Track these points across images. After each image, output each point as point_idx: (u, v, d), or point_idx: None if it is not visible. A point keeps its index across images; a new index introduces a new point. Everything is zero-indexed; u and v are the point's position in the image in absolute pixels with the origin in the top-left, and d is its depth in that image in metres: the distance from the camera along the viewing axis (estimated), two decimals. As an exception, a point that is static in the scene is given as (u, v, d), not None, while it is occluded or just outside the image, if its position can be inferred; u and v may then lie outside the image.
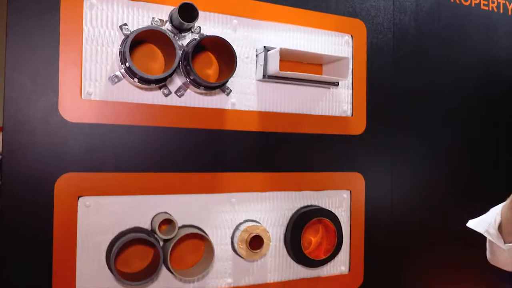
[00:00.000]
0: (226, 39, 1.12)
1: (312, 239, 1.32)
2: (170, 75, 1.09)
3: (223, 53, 1.16)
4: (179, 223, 1.14)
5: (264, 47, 1.23)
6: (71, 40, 1.06)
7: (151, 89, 1.14)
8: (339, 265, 1.37)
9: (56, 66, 1.05)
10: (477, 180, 1.65)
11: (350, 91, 1.40)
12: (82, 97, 1.07)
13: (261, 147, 1.27)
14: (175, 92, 1.17)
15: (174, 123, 1.16)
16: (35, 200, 1.03)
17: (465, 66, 1.62)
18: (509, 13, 1.73)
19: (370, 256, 1.41)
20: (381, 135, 1.45)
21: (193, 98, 1.19)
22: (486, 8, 1.68)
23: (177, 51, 1.05)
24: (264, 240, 1.21)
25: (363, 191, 1.41)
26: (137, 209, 1.13)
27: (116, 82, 1.11)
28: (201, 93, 1.19)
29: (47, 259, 1.03)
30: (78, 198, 1.06)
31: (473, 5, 1.65)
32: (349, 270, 1.39)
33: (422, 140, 1.54)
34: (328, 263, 1.32)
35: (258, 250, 1.20)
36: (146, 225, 1.13)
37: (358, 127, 1.40)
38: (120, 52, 1.06)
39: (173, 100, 1.17)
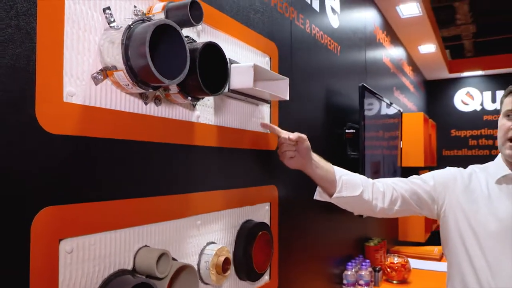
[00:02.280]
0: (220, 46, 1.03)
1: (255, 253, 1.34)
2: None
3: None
4: (155, 257, 0.96)
5: (229, 59, 1.18)
6: (51, 16, 0.74)
7: (131, 94, 0.91)
8: (265, 275, 1.43)
9: (32, 48, 0.71)
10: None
11: (269, 108, 1.49)
12: (64, 98, 0.76)
13: (218, 163, 1.20)
14: (154, 100, 0.98)
15: (153, 137, 0.97)
16: (4, 249, 0.66)
17: (318, 94, 1.98)
18: (339, 54, 2.22)
19: (281, 262, 1.54)
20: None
21: (167, 108, 1.02)
22: (330, 48, 2.10)
23: (188, 53, 0.90)
24: (231, 261, 1.16)
25: (277, 203, 1.52)
26: (119, 247, 0.88)
27: (99, 82, 0.84)
28: (178, 103, 1.04)
29: None
30: (59, 242, 0.75)
31: (323, 42, 2.03)
32: (270, 278, 1.47)
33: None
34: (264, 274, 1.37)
35: (227, 273, 1.14)
36: (128, 264, 0.90)
37: (274, 143, 1.51)
38: (123, 45, 0.81)
39: (151, 109, 0.97)
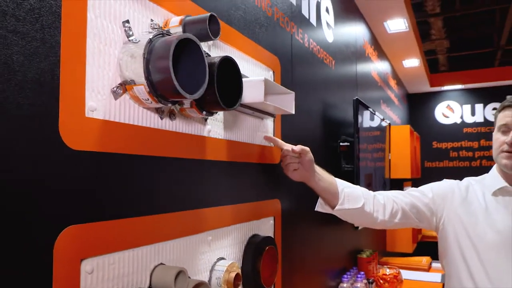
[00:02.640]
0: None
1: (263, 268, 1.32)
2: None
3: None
4: (169, 275, 0.93)
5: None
6: (74, 29, 0.72)
7: (148, 109, 0.90)
8: (270, 289, 1.42)
9: (57, 61, 0.69)
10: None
11: (272, 122, 1.49)
12: (86, 113, 0.74)
13: (227, 178, 1.19)
14: (169, 114, 0.96)
15: (168, 152, 0.95)
16: (26, 270, 0.63)
17: (312, 106, 2.00)
18: (333, 68, 2.25)
19: (284, 275, 1.53)
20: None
21: (181, 123, 1.00)
22: (326, 62, 2.12)
23: (207, 68, 0.89)
24: (241, 277, 1.14)
25: (280, 216, 1.51)
26: (137, 266, 0.85)
27: (118, 96, 0.82)
28: (191, 118, 1.03)
29: None
30: (81, 262, 0.72)
31: (320, 57, 2.05)
32: (274, 292, 1.46)
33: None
34: (270, 289, 1.36)
35: (237, 289, 1.12)
36: (145, 283, 0.87)
37: (277, 156, 1.51)
38: (145, 59, 0.80)
39: (166, 124, 0.96)
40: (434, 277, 2.82)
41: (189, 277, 0.97)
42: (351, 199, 1.38)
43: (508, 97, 1.40)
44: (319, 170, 1.38)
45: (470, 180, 1.47)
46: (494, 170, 1.42)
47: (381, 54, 3.85)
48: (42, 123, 0.66)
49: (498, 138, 1.34)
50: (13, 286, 0.62)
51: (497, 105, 5.52)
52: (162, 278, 0.88)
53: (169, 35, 0.87)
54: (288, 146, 1.31)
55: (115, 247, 0.79)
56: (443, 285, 2.67)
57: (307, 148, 1.31)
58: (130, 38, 0.85)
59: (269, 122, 1.46)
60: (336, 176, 1.83)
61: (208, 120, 1.11)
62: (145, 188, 0.88)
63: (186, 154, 1.01)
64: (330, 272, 2.13)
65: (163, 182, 0.93)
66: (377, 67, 3.60)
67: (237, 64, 1.03)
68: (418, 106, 5.87)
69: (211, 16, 0.91)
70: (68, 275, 0.69)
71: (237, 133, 1.25)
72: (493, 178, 1.40)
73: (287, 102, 1.35)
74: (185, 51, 0.86)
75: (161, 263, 0.92)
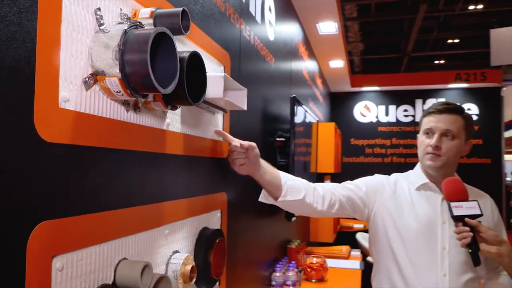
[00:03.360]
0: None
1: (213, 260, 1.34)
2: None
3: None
4: (130, 269, 0.92)
5: (199, 68, 1.18)
6: (50, 14, 0.69)
7: (115, 101, 0.88)
8: (216, 283, 1.44)
9: (33, 48, 0.65)
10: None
11: (222, 117, 1.51)
12: (59, 104, 0.71)
13: (183, 171, 1.19)
14: (133, 107, 0.94)
15: (133, 145, 0.93)
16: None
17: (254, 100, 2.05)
18: (273, 65, 2.31)
19: (228, 267, 1.56)
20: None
21: (144, 116, 0.99)
22: (267, 59, 2.18)
23: (178, 63, 0.89)
24: (196, 269, 1.16)
25: (226, 209, 1.55)
26: (102, 261, 0.83)
27: (90, 87, 0.79)
28: (153, 110, 1.01)
29: None
30: (52, 259, 0.69)
31: (263, 54, 2.10)
32: (219, 284, 1.49)
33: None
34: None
35: (192, 282, 1.13)
36: (109, 278, 0.85)
37: (226, 150, 1.53)
38: (120, 51, 0.78)
39: (131, 117, 0.94)
40: (354, 264, 3.05)
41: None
42: (293, 191, 1.47)
43: (434, 103, 1.57)
44: (264, 164, 1.44)
45: (398, 176, 1.63)
46: (418, 167, 1.59)
47: (311, 54, 4.03)
48: (17, 114, 0.62)
49: (423, 141, 1.50)
50: (-14, 286, 0.58)
51: (408, 107, 6.08)
52: (128, 273, 0.87)
53: (142, 26, 0.86)
54: (236, 142, 1.35)
55: (83, 243, 0.77)
56: (362, 271, 2.91)
57: (254, 144, 1.36)
58: (101, 27, 0.82)
59: (219, 117, 1.48)
60: None
61: (167, 114, 1.10)
62: (111, 182, 0.86)
63: (148, 147, 1.00)
64: (265, 262, 2.22)
65: (127, 176, 0.92)
66: (308, 66, 3.76)
67: (202, 60, 1.04)
68: (339, 105, 6.23)
69: (183, 11, 0.91)
70: (40, 273, 0.66)
71: (193, 127, 1.25)
72: (417, 175, 1.57)
73: (240, 98, 1.38)
74: (158, 44, 0.86)
75: (124, 258, 0.91)
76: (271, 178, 1.45)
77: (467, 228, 1.30)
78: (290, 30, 2.90)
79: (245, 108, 1.39)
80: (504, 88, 5.97)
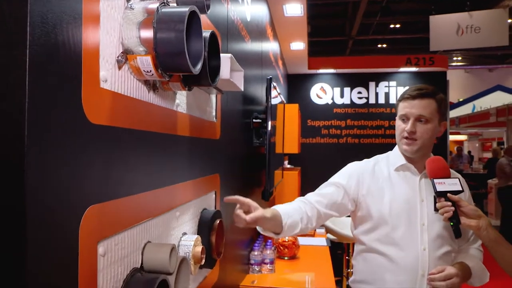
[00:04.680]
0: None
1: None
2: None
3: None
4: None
5: (204, 48, 1.15)
6: (91, -11, 0.65)
7: (139, 80, 0.85)
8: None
9: (80, 23, 0.61)
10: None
11: (215, 98, 1.49)
12: (100, 84, 0.68)
13: (190, 153, 1.18)
14: (153, 87, 0.92)
15: (154, 126, 0.91)
16: (54, 254, 0.57)
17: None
18: (249, 45, 2.30)
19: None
20: (228, 140, 1.63)
21: (159, 97, 0.96)
22: (246, 40, 2.16)
23: (203, 42, 0.87)
24: (205, 250, 1.16)
25: (219, 190, 1.55)
26: (133, 245, 0.82)
27: (122, 66, 0.76)
28: (168, 91, 0.99)
29: None
30: (98, 244, 0.67)
31: (243, 34, 2.09)
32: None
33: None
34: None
35: (202, 263, 1.14)
36: (138, 262, 0.84)
37: (218, 132, 1.53)
38: (154, 28, 0.75)
39: (151, 97, 0.91)
40: (321, 241, 3.18)
41: (173, 253, 0.96)
42: (291, 228, 1.48)
43: (408, 88, 1.62)
44: (267, 215, 1.37)
45: (378, 158, 1.70)
46: (396, 149, 1.67)
47: (275, 35, 4.04)
48: (66, 94, 0.59)
49: (399, 126, 1.57)
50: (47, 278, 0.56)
51: (362, 89, 6.30)
52: (157, 256, 0.86)
53: (168, 5, 0.83)
54: (243, 216, 1.28)
55: (120, 227, 0.75)
56: (330, 247, 3.04)
57: (259, 216, 1.30)
58: (129, 3, 0.78)
59: (213, 98, 1.47)
60: (249, 154, 1.88)
61: (177, 95, 1.08)
62: (138, 164, 0.84)
63: (164, 128, 0.98)
64: (244, 241, 2.25)
65: (149, 158, 0.90)
66: (272, 47, 3.78)
67: (217, 40, 1.02)
68: (296, 86, 6.32)
69: (207, -13, 0.89)
70: (88, 259, 0.64)
71: (194, 108, 1.24)
72: (396, 156, 1.65)
73: (238, 79, 1.38)
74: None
75: (148, 241, 0.89)
76: (273, 224, 1.43)
77: (450, 203, 1.40)
78: (261, 11, 2.89)
79: (242, 89, 1.38)
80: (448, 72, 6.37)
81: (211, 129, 1.42)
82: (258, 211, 1.31)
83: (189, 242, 1.10)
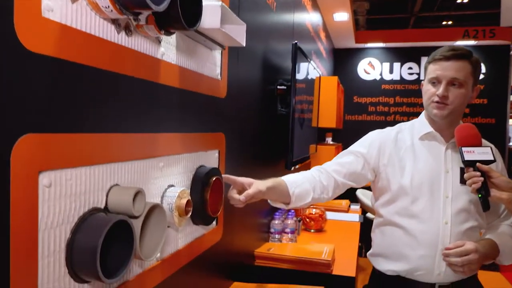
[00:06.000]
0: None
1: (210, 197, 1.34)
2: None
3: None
4: (123, 197, 0.91)
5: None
6: None
7: (105, 19, 0.83)
8: (213, 222, 1.45)
9: (9, -51, 0.60)
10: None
11: (220, 55, 1.46)
12: (42, 13, 0.67)
13: (178, 105, 1.16)
14: (125, 29, 0.90)
15: (124, 69, 0.90)
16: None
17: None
18: (275, 11, 2.23)
19: (225, 209, 1.56)
20: (239, 102, 1.60)
21: (136, 41, 0.95)
22: (268, 2, 2.09)
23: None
24: (191, 203, 1.15)
25: (224, 151, 1.53)
26: (93, 184, 0.82)
27: (75, 0, 0.74)
28: (147, 36, 0.97)
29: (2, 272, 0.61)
30: (39, 174, 0.67)
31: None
32: (217, 224, 1.49)
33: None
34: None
35: (188, 215, 1.13)
36: (101, 203, 0.84)
37: (223, 91, 1.49)
38: (107, -41, 0.73)
39: (122, 39, 0.89)
40: (353, 217, 3.08)
41: (145, 199, 0.95)
42: (301, 197, 1.44)
43: (440, 49, 1.48)
44: (268, 186, 1.34)
45: (401, 126, 1.58)
46: (423, 116, 1.55)
47: (315, 4, 3.89)
48: (-6, 15, 0.58)
49: (428, 90, 1.44)
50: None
51: (413, 65, 5.95)
52: (120, 198, 0.86)
53: None
54: (236, 197, 1.28)
55: (72, 162, 0.75)
56: (361, 223, 2.94)
57: (254, 192, 1.27)
58: None
59: (217, 55, 1.43)
60: (272, 122, 1.83)
61: (162, 43, 1.06)
62: (101, 104, 0.83)
63: (140, 74, 0.96)
64: (264, 210, 2.23)
65: (119, 100, 0.89)
66: (311, 18, 3.65)
67: (199, -17, 0.98)
68: (342, 61, 6.11)
69: None
70: (26, 188, 0.65)
71: (188, 60, 1.21)
72: (421, 124, 1.53)
73: (238, 34, 1.33)
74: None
75: (116, 184, 0.89)
76: (278, 194, 1.42)
77: (478, 173, 1.28)
78: (294, -24, 2.78)
79: (244, 44, 1.33)
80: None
81: (213, 86, 1.39)
82: (253, 188, 1.28)
83: (173, 193, 1.09)
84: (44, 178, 0.69)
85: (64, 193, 0.74)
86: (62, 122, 0.72)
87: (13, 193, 0.62)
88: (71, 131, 0.74)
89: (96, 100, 0.81)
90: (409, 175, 1.46)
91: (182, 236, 1.22)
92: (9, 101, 0.61)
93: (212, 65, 1.39)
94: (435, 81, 1.42)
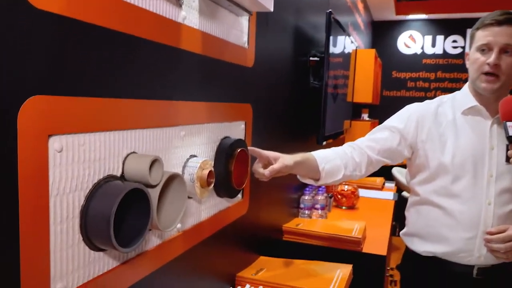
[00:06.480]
0: None
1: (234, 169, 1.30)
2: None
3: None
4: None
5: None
6: None
7: (119, -23, 0.79)
8: (239, 195, 1.42)
9: None
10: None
11: (248, 23, 1.39)
12: (48, -34, 0.63)
13: (201, 72, 1.12)
14: (141, -11, 0.85)
15: (141, 31, 0.85)
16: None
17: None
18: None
19: (251, 182, 1.53)
20: (268, 72, 1.54)
21: (154, 2, 0.90)
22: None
23: None
24: (214, 175, 1.11)
25: (251, 122, 1.48)
26: (108, 151, 0.79)
27: (86, -46, 0.70)
28: (165, -3, 0.92)
29: (12, 241, 0.60)
30: (49, 138, 0.65)
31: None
32: (242, 197, 1.46)
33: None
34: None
35: (210, 187, 1.10)
36: (117, 170, 0.82)
37: (251, 60, 1.43)
38: None
39: (139, 0, 0.85)
40: (387, 195, 2.98)
41: (163, 168, 0.92)
42: (332, 174, 1.40)
43: (490, 13, 1.34)
44: (295, 162, 1.30)
45: (442, 99, 1.47)
46: (466, 88, 1.42)
47: (353, -27, 3.71)
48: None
49: (477, 59, 1.31)
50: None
51: (458, 38, 5.62)
52: (136, 166, 0.83)
53: None
54: (261, 171, 1.25)
55: (85, 127, 0.72)
56: (395, 202, 2.84)
57: (280, 167, 1.23)
58: None
59: (244, 22, 1.36)
60: (304, 94, 1.74)
61: (183, 6, 1.00)
62: (116, 68, 0.79)
63: (159, 37, 0.91)
64: (294, 185, 2.18)
65: (136, 64, 0.85)
66: (348, -14, 3.48)
67: None
68: (381, 35, 5.85)
69: None
70: (35, 151, 0.62)
71: (212, 26, 1.15)
72: (464, 97, 1.40)
73: (265, -1, 1.25)
74: None
75: (134, 152, 0.87)
76: (308, 170, 1.38)
77: None
78: None
79: (271, 9, 1.26)
80: None
81: (239, 54, 1.33)
82: (279, 163, 1.24)
83: (195, 164, 1.06)
84: (55, 142, 0.66)
85: (77, 159, 0.71)
86: (74, 85, 0.69)
87: (21, 155, 0.60)
88: (85, 95, 0.71)
89: (112, 64, 0.78)
90: (450, 152, 1.36)
91: (205, 208, 1.20)
92: (16, 61, 0.58)
93: (239, 32, 1.32)
94: (485, 49, 1.30)
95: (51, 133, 0.65)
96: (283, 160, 1.26)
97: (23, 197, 0.60)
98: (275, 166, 1.23)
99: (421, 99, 1.51)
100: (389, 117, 1.50)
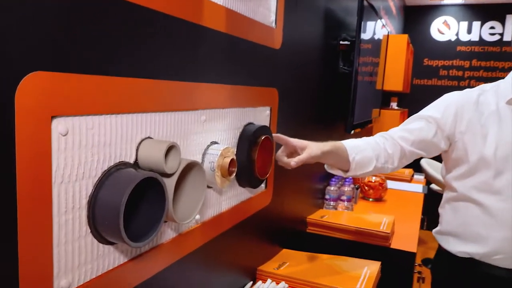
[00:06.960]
0: None
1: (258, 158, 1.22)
2: None
3: None
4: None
5: None
6: None
7: None
8: (262, 185, 1.34)
9: None
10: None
11: (275, 1, 1.29)
12: None
13: (224, 52, 1.03)
14: (159, -43, 0.77)
15: (159, 5, 0.77)
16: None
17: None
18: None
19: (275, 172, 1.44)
20: (296, 55, 1.44)
21: (174, -28, 0.81)
22: None
23: None
24: (236, 163, 1.04)
25: (277, 108, 1.39)
26: (120, 135, 0.72)
27: None
28: (186, -33, 0.83)
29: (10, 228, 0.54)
30: (52, 120, 0.58)
31: None
32: (266, 187, 1.38)
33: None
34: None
35: (232, 176, 1.02)
36: (131, 157, 0.75)
37: (278, 41, 1.34)
38: None
39: (156, -31, 0.77)
40: (416, 187, 2.85)
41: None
42: (363, 165, 1.30)
43: None
44: (323, 152, 1.21)
45: (484, 87, 1.34)
46: (511, 76, 1.29)
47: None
48: None
49: None
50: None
51: (496, 24, 5.32)
52: (151, 153, 0.76)
53: None
54: (285, 160, 1.17)
55: (94, 109, 0.65)
56: (425, 195, 2.71)
57: (305, 159, 1.15)
58: None
59: (272, 0, 1.27)
60: (332, 80, 1.63)
61: (205, -22, 0.92)
62: (132, 44, 0.72)
63: (179, 12, 0.83)
64: (319, 174, 2.09)
65: (151, 41, 0.77)
66: (382, -33, 3.30)
67: None
68: (414, 20, 5.60)
69: None
70: (35, 133, 0.56)
71: (238, 2, 1.06)
72: (509, 86, 1.27)
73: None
74: None
75: (149, 137, 0.79)
76: (337, 160, 1.29)
77: None
78: None
79: (302, -15, 1.16)
80: None
81: (266, 35, 1.24)
82: (305, 153, 1.16)
83: (216, 151, 0.99)
84: (59, 125, 0.59)
85: (85, 143, 0.65)
86: (82, 60, 0.62)
87: (18, 138, 0.53)
88: (94, 72, 0.64)
89: (127, 39, 0.70)
90: (492, 144, 1.24)
91: (225, 198, 1.12)
92: (13, 30, 0.51)
93: (266, 11, 1.23)
94: None
95: (54, 115, 0.58)
96: (310, 151, 1.17)
97: (21, 184, 0.54)
98: (302, 156, 1.15)
99: (454, 88, 1.38)
100: (419, 107, 1.39)
